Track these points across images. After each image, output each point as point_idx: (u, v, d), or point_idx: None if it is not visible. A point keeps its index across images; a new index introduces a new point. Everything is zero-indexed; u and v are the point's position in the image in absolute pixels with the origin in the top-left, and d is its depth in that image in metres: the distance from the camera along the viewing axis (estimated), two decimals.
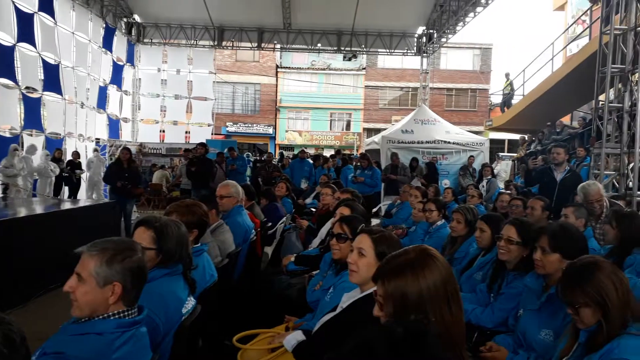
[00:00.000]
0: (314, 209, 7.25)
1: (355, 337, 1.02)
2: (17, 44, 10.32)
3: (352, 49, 16.21)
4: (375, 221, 7.12)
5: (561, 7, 22.78)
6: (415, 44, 16.30)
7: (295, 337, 2.03)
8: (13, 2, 10.07)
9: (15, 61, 10.41)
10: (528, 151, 13.21)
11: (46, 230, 4.98)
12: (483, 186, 9.43)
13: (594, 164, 6.95)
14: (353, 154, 19.13)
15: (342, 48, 16.21)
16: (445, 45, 16.56)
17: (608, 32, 6.72)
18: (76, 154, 12.09)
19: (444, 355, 1.06)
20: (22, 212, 5.55)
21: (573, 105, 13.98)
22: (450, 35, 14.59)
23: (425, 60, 16.55)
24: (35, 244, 4.70)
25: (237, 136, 25.82)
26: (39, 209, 6.08)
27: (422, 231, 4.75)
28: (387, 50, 16.37)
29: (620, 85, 6.80)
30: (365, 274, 1.96)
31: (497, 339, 2.59)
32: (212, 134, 18.31)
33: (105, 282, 1.47)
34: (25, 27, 10.49)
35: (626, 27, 6.53)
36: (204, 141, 15.27)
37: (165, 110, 17.82)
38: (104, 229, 5.91)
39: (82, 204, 7.57)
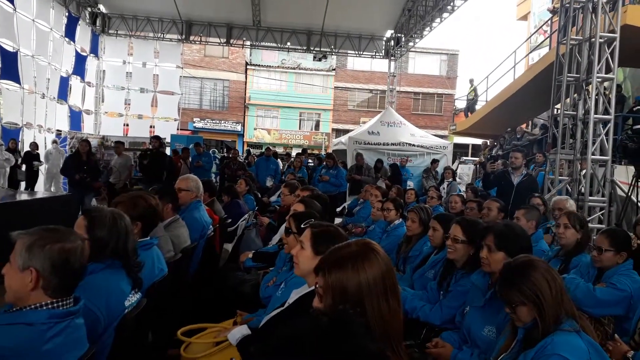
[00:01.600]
0: (278, 207, 7.25)
1: (282, 327, 1.03)
2: None
3: (322, 49, 16.27)
4: (339, 220, 7.18)
5: (524, 17, 23.47)
6: (384, 47, 16.48)
7: (240, 332, 2.03)
8: None
9: None
10: (489, 156, 13.56)
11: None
12: (444, 188, 9.64)
13: (550, 169, 7.20)
14: (321, 154, 19.19)
15: (312, 48, 16.25)
16: (413, 49, 16.84)
17: (564, 42, 6.97)
18: (34, 145, 11.69)
19: (371, 344, 1.08)
20: None
21: (533, 112, 14.42)
22: (417, 40, 14.81)
23: (393, 63, 16.76)
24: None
25: (204, 132, 25.46)
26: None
27: (380, 230, 4.82)
28: (356, 52, 16.49)
29: (574, 94, 7.06)
30: (303, 267, 1.98)
31: (444, 335, 2.66)
32: (178, 129, 18.00)
33: (23, 267, 1.45)
34: None
35: (581, 37, 6.79)
36: (167, 136, 15.15)
37: (129, 104, 17.42)
38: (60, 222, 5.72)
39: (38, 195, 7.35)
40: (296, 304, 2.05)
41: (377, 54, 16.56)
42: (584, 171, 6.78)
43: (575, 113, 6.87)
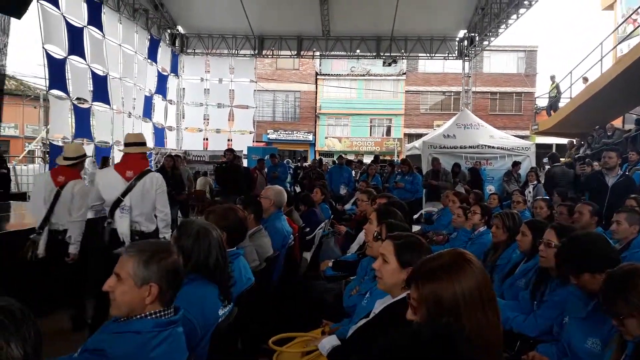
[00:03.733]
0: (353, 215, 7.24)
1: (383, 339, 1.01)
2: (68, 57, 10.85)
3: (392, 54, 16.12)
4: (416, 228, 7.02)
5: (610, 7, 21.84)
6: (457, 48, 16.04)
7: (330, 342, 2.03)
8: (64, 17, 10.62)
9: (66, 73, 10.96)
10: (576, 156, 12.69)
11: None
12: (529, 192, 9.12)
13: None
14: (394, 160, 18.98)
15: (382, 54, 16.15)
16: (487, 48, 16.21)
17: None
18: None
19: (474, 359, 1.04)
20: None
21: (625, 108, 13.34)
22: (492, 38, 14.25)
23: (467, 64, 16.26)
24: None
25: (277, 143, 26.14)
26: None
27: (465, 237, 4.64)
28: (428, 55, 16.18)
29: None
30: (388, 280, 1.97)
31: (540, 348, 2.50)
32: (253, 141, 18.61)
33: (142, 283, 1.52)
34: (75, 41, 11.02)
35: None
36: (243, 148, 15.69)
37: (208, 119, 18.26)
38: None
39: None
40: (383, 315, 2.02)
41: (449, 55, 16.15)
42: None
43: None
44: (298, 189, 12.65)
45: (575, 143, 14.17)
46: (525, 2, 11.61)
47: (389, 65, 17.86)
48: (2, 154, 9.28)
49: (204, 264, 2.02)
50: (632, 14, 17.02)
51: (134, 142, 4.05)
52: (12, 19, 9.61)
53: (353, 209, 8.25)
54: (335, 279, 3.85)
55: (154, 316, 1.52)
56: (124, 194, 3.81)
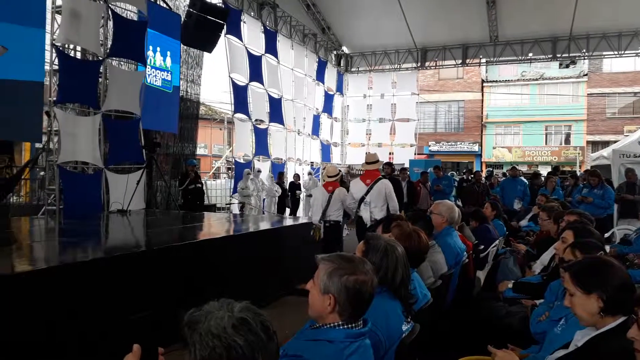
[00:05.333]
0: (532, 232, 6.65)
1: None
2: (249, 83, 12.14)
3: (571, 54, 14.59)
4: (609, 247, 6.14)
5: None
6: None
7: None
8: (246, 47, 11.92)
9: (248, 98, 12.27)
10: None
11: (274, 243, 5.65)
12: None
13: None
14: (575, 171, 17.02)
15: (558, 55, 14.73)
16: None
17: None
18: (296, 177, 13.52)
19: None
20: (260, 226, 6.43)
21: None
22: None
23: None
24: (265, 254, 5.36)
25: (439, 155, 25.47)
26: (268, 225, 6.93)
27: None
28: (615, 53, 14.25)
29: None
30: (582, 314, 1.83)
31: None
32: (415, 154, 18.46)
33: (324, 291, 1.58)
34: (255, 68, 12.31)
35: None
36: (405, 161, 15.61)
37: (370, 134, 18.70)
38: (325, 242, 6.44)
39: (302, 220, 8.41)
40: (587, 348, 1.80)
41: None
42: None
43: None
44: (459, 203, 12.10)
45: None
46: None
47: (567, 67, 16.19)
48: (197, 170, 10.73)
49: (391, 280, 2.05)
50: None
51: (372, 162, 6.30)
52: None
53: (530, 225, 7.58)
54: (516, 301, 3.55)
55: (345, 326, 1.56)
56: (366, 194, 5.98)
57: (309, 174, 14.49)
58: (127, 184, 7.38)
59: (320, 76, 16.00)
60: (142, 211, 7.81)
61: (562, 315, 2.38)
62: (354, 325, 1.58)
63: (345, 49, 17.17)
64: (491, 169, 20.97)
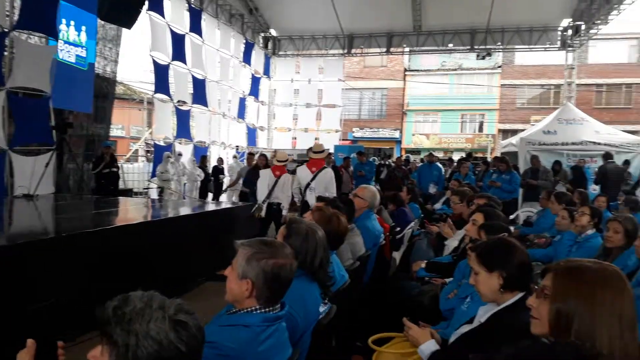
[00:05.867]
0: (444, 215, 7.02)
1: (518, 351, 0.95)
2: (172, 63, 11.65)
3: (487, 47, 15.43)
4: (513, 228, 6.63)
5: None
6: (559, 38, 14.95)
7: (429, 347, 1.99)
8: (168, 25, 11.41)
9: (169, 78, 11.78)
10: None
11: (195, 228, 5.51)
12: None
13: None
14: (487, 158, 18.14)
15: (476, 47, 15.53)
16: (594, 37, 14.93)
17: None
18: (220, 160, 13.24)
19: None
20: (178, 212, 6.22)
21: None
22: (600, 26, 13.11)
23: (570, 54, 15.10)
24: (186, 241, 5.22)
25: (362, 141, 26.07)
26: (189, 210, 6.75)
27: (570, 241, 4.30)
28: (527, 47, 15.31)
29: None
30: (486, 291, 1.96)
31: None
32: (339, 139, 18.76)
33: (242, 276, 1.58)
34: (178, 47, 11.83)
35: None
36: (330, 146, 15.79)
37: (296, 119, 18.73)
38: (243, 228, 6.38)
39: (224, 205, 8.27)
40: (489, 323, 1.94)
41: (551, 46, 15.12)
42: None
43: None
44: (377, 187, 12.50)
45: None
46: None
47: (483, 58, 17.11)
48: (113, 153, 10.16)
49: (310, 263, 2.09)
50: None
51: (319, 151, 6.80)
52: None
53: (444, 209, 8.00)
54: (428, 280, 3.75)
55: (262, 310, 1.57)
56: (312, 180, 6.46)
57: (234, 157, 14.25)
58: (35, 166, 6.86)
59: (247, 58, 15.70)
60: (51, 196, 7.27)
61: (468, 293, 2.54)
62: (271, 309, 1.59)
63: (273, 32, 16.96)
64: (408, 155, 21.80)
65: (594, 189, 9.76)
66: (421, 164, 12.84)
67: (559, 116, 12.15)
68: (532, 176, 9.13)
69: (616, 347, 1.15)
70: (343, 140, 22.50)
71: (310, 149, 6.97)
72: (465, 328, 2.05)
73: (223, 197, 13.25)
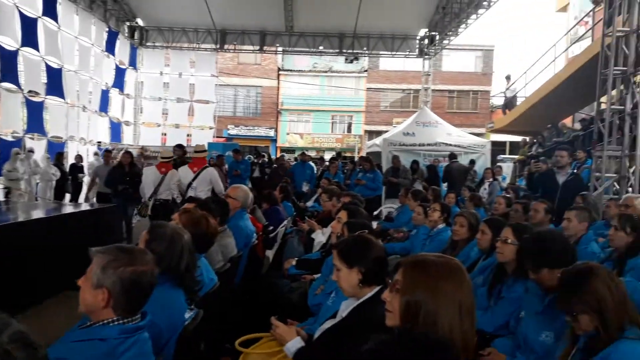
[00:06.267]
0: (316, 212, 7.27)
1: (371, 345, 1.03)
2: (21, 49, 10.37)
3: (354, 51, 16.23)
4: (375, 224, 7.13)
5: (564, 8, 22.76)
6: (417, 46, 16.31)
7: (294, 345, 2.05)
8: (17, 7, 10.12)
9: (18, 65, 10.47)
10: (529, 154, 13.19)
11: (49, 233, 5.00)
12: (485, 189, 9.43)
13: (595, 167, 6.95)
14: (354, 157, 19.17)
15: (344, 50, 16.24)
16: (447, 47, 16.59)
17: (610, 34, 6.72)
18: (79, 158, 12.11)
19: None
20: (26, 216, 5.58)
21: (575, 107, 13.97)
22: (452, 37, 14.60)
23: (427, 62, 16.57)
24: (38, 247, 4.72)
25: (238, 139, 25.83)
26: (41, 213, 6.10)
27: (424, 235, 4.75)
28: (389, 52, 16.40)
29: (622, 87, 6.79)
30: (347, 287, 2.04)
31: (497, 342, 2.60)
32: (213, 136, 18.35)
33: (97, 285, 1.49)
34: (28, 32, 10.55)
35: (628, 29, 6.53)
36: (205, 144, 15.39)
37: (167, 114, 17.88)
38: (105, 233, 5.94)
39: (84, 207, 7.60)
40: (350, 317, 2.05)
41: (410, 53, 16.42)
42: (632, 168, 6.51)
43: (622, 107, 6.61)
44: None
45: (528, 141, 14.73)
46: (485, 3, 11.94)
47: (351, 62, 17.99)
48: None
49: (175, 268, 2.02)
50: (584, 17, 17.76)
51: (200, 151, 7.16)
52: None
53: (315, 206, 8.28)
54: (298, 277, 3.86)
55: (120, 322, 1.50)
56: (193, 179, 6.62)
57: (95, 154, 13.12)
58: None
59: (110, 48, 14.53)
60: None
61: (333, 288, 2.68)
62: (130, 319, 1.52)
63: (139, 21, 15.95)
64: (283, 154, 22.16)
65: (446, 186, 10.87)
66: (294, 162, 13.12)
67: (416, 119, 13.30)
68: (393, 175, 9.88)
69: (457, 332, 1.29)
70: (217, 137, 22.04)
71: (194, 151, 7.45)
72: (329, 323, 2.14)
73: (82, 198, 12.16)
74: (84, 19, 12.95)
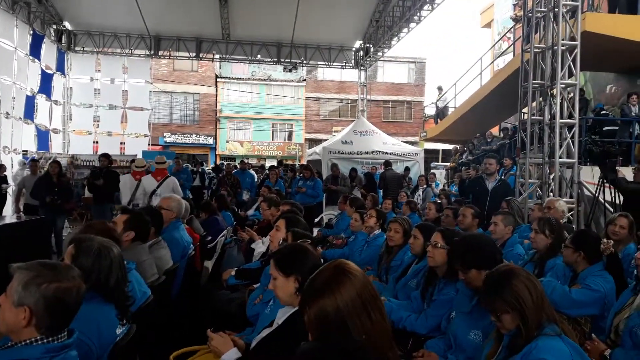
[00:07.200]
0: (256, 220, 7.23)
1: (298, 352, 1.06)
2: None
3: (292, 60, 16.34)
4: (316, 230, 7.21)
5: (488, 25, 24.15)
6: (353, 57, 16.67)
7: (230, 356, 2.04)
8: None
9: None
10: (460, 161, 13.83)
11: None
12: (419, 195, 9.79)
13: (520, 173, 7.41)
14: (296, 165, 19.23)
15: (282, 59, 16.30)
16: (381, 58, 17.07)
17: (529, 50, 7.21)
18: (3, 167, 11.32)
19: None
20: None
21: (501, 117, 14.80)
22: (385, 50, 15.05)
23: (362, 73, 16.96)
24: None
25: (175, 147, 25.14)
26: None
27: (362, 240, 4.86)
28: (326, 63, 16.62)
29: (540, 99, 7.30)
30: (283, 295, 2.08)
31: (429, 343, 2.72)
32: (149, 144, 17.74)
33: (18, 303, 1.43)
34: None
35: (544, 45, 7.05)
36: (138, 152, 14.88)
37: (98, 121, 17.09)
38: (32, 246, 5.60)
39: (8, 220, 7.12)
40: (285, 325, 2.07)
41: (346, 64, 16.72)
42: (552, 174, 7.00)
43: (542, 118, 7.11)
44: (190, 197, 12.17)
45: (458, 149, 15.44)
46: (415, 17, 12.43)
47: (290, 71, 18.07)
48: None
49: (104, 284, 1.95)
50: (506, 33, 18.95)
51: (161, 162, 7.62)
52: None
53: (257, 215, 8.23)
54: (238, 288, 3.83)
55: (44, 341, 1.44)
56: (157, 187, 6.99)
57: (22, 164, 12.30)
58: None
59: (35, 52, 13.70)
60: None
61: (271, 296, 2.69)
62: (55, 338, 1.46)
63: (67, 25, 15.19)
64: (222, 162, 21.85)
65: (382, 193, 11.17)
66: (235, 170, 12.95)
67: (354, 128, 13.60)
68: (332, 182, 10.03)
69: (368, 329, 1.34)
70: (153, 145, 21.36)
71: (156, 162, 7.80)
72: (266, 331, 2.16)
73: (7, 210, 11.37)
74: (5, 21, 12.15)
